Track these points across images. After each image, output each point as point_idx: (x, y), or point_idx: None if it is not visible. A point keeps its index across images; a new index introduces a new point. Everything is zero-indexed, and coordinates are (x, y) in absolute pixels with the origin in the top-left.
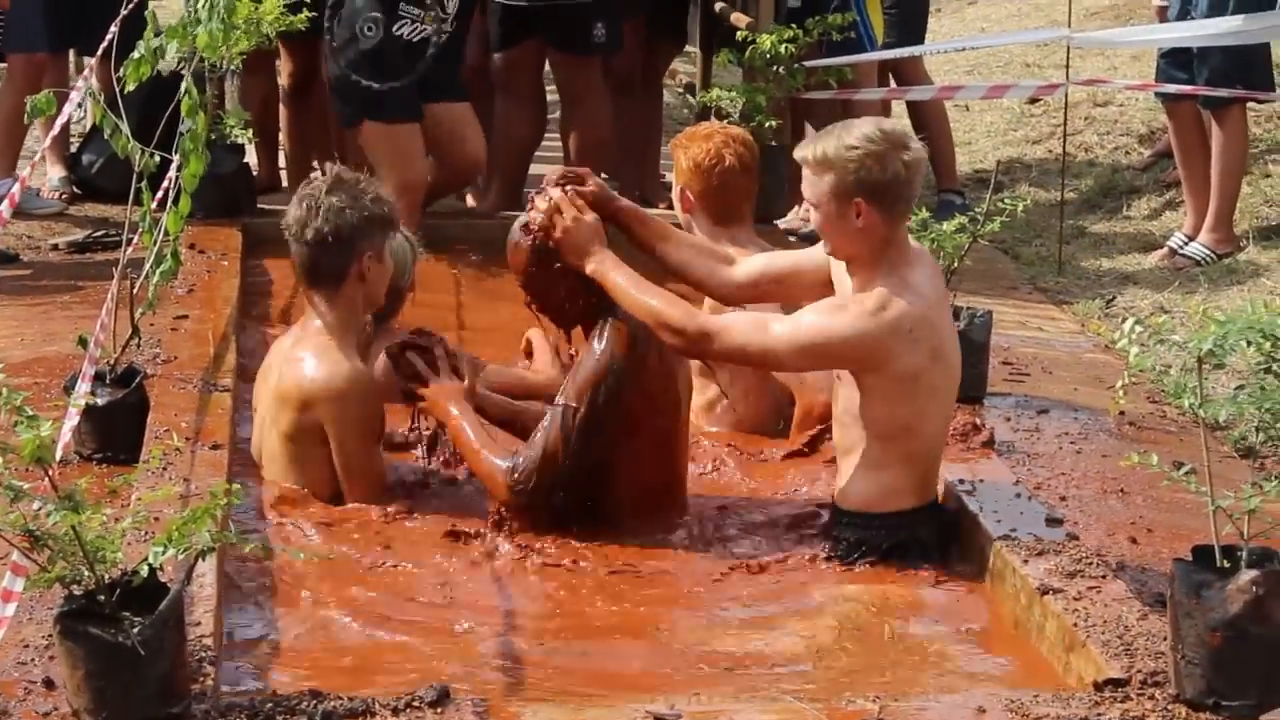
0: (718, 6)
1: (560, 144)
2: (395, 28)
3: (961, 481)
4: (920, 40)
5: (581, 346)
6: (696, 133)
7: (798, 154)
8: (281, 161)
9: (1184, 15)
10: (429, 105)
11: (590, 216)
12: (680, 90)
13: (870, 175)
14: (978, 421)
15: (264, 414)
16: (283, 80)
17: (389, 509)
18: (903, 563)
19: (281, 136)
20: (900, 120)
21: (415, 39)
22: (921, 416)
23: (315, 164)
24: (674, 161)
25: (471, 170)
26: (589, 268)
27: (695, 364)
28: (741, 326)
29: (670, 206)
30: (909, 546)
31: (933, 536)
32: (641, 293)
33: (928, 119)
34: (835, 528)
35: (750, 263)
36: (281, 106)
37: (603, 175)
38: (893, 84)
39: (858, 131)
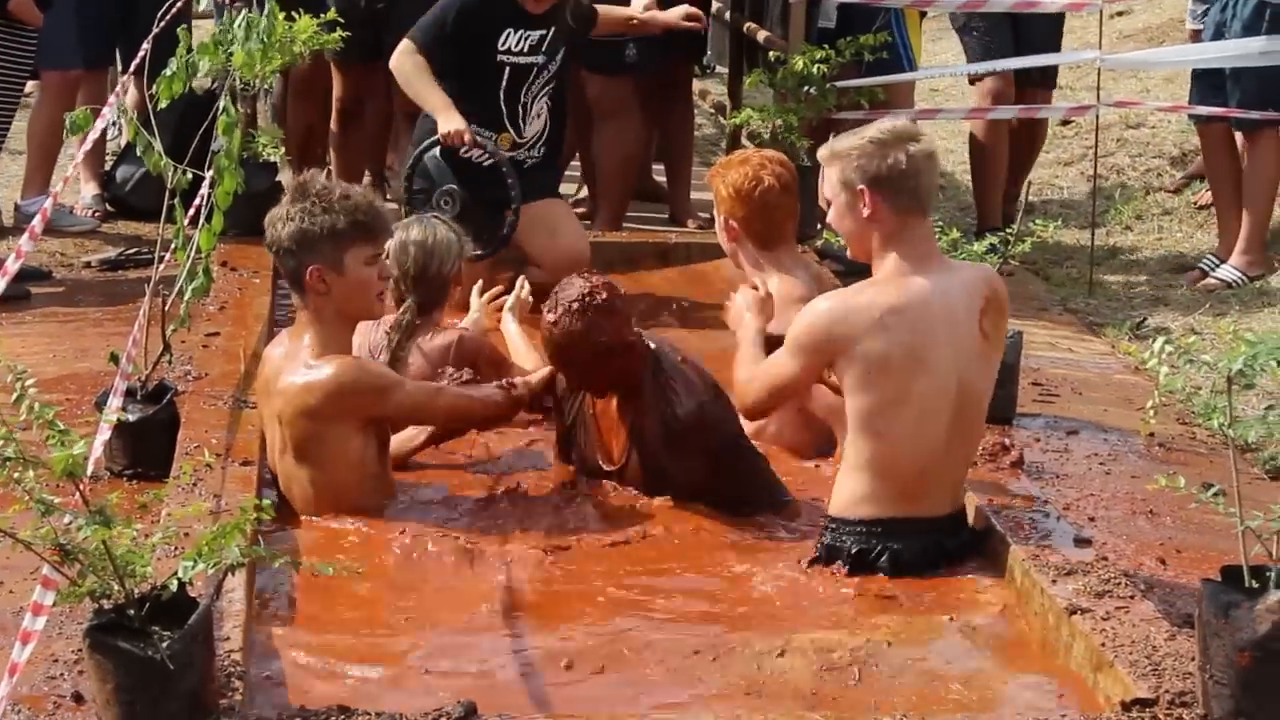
0: (747, 26)
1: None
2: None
3: (990, 501)
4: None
5: None
6: (732, 160)
7: (819, 154)
8: None
9: (1218, 37)
10: (526, 206)
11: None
12: (711, 111)
13: (872, 164)
14: (1006, 442)
15: (270, 436)
16: (334, 102)
17: (413, 526)
18: (925, 579)
19: (330, 158)
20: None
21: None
22: (888, 418)
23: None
24: (714, 193)
25: (574, 264)
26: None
27: None
28: (753, 372)
29: (701, 226)
30: (879, 557)
31: (919, 553)
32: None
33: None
34: (820, 533)
35: None
36: (332, 127)
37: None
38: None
39: (869, 128)
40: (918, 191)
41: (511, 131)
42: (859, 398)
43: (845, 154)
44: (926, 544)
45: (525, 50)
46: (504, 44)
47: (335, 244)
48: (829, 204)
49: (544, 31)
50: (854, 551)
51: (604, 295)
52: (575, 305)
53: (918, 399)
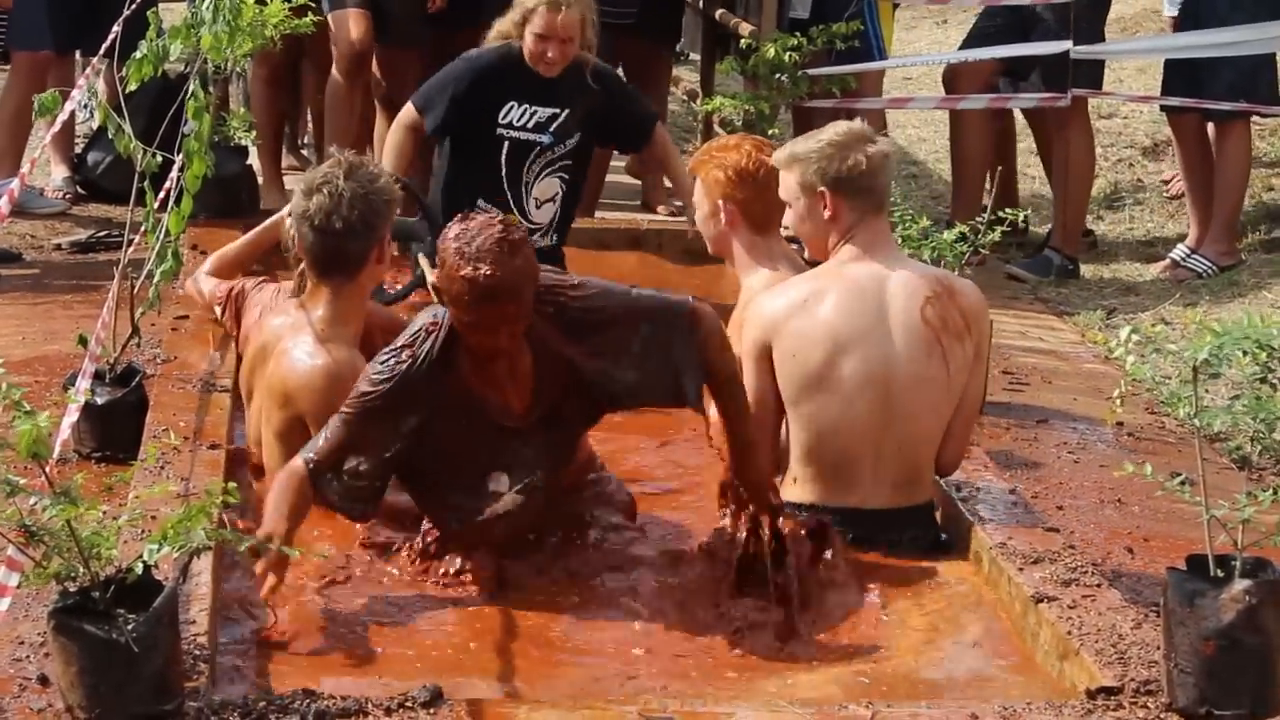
0: (719, 13)
1: None
2: None
3: (958, 489)
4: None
5: None
6: (725, 144)
7: (772, 159)
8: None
9: (1192, 26)
10: None
11: None
12: (683, 98)
13: (831, 166)
14: None
15: (258, 405)
16: (338, 56)
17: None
18: (895, 565)
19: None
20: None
21: None
22: (810, 401)
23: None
24: (703, 180)
25: None
26: None
27: None
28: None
29: (672, 212)
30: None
31: (855, 544)
32: None
33: (1073, 176)
34: None
35: None
36: (334, 87)
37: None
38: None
39: (824, 131)
40: (875, 190)
41: (516, 213)
42: (783, 381)
43: (804, 157)
44: (859, 536)
45: (529, 126)
46: (504, 117)
47: (394, 212)
48: (789, 206)
49: (555, 111)
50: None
51: (516, 231)
52: (503, 247)
53: (838, 382)
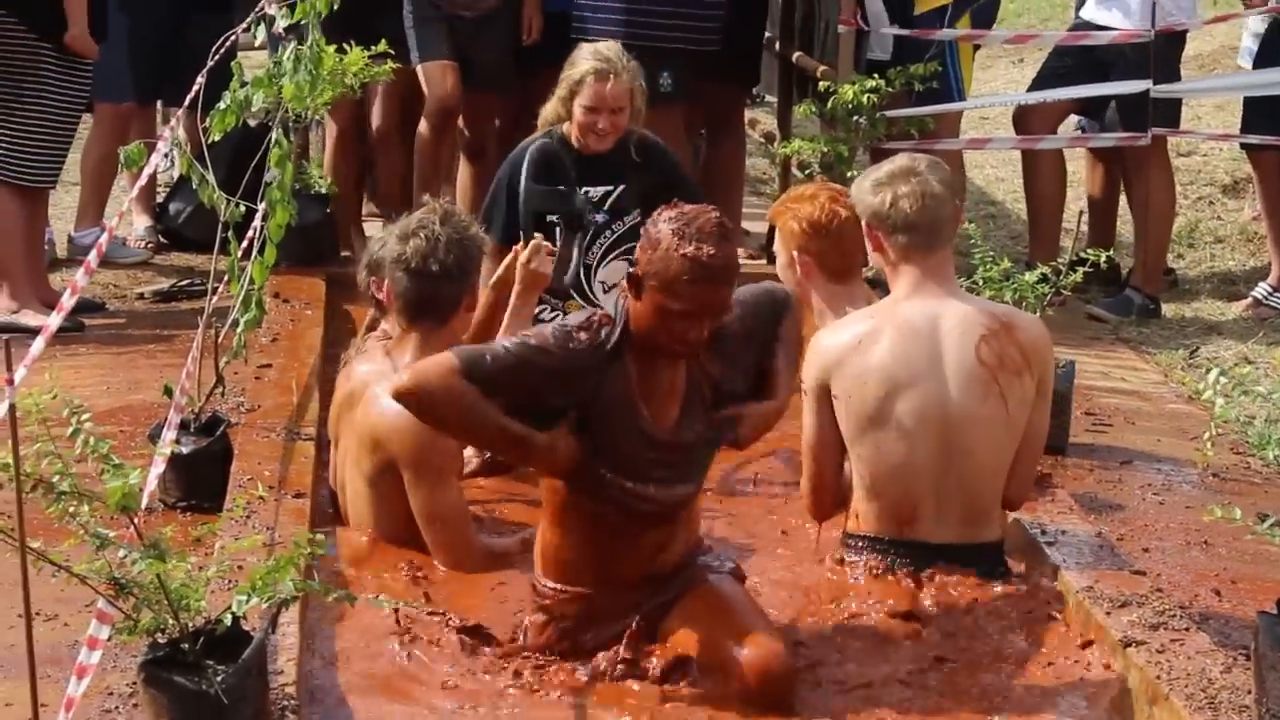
0: (796, 56)
1: None
2: None
3: (1044, 532)
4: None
5: None
6: (801, 195)
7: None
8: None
9: (1267, 64)
10: None
11: None
12: (761, 140)
13: (866, 203)
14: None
15: (346, 449)
16: (428, 109)
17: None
18: (993, 613)
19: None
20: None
21: None
22: (870, 438)
23: None
24: (779, 229)
25: None
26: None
27: None
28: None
29: (752, 255)
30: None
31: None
32: None
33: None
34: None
35: None
36: (421, 142)
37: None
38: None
39: (881, 166)
40: (919, 227)
41: (578, 298)
42: (841, 420)
43: (855, 196)
44: (919, 565)
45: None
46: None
47: (480, 267)
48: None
49: (608, 188)
50: (850, 563)
51: (726, 219)
52: (721, 230)
53: (895, 422)
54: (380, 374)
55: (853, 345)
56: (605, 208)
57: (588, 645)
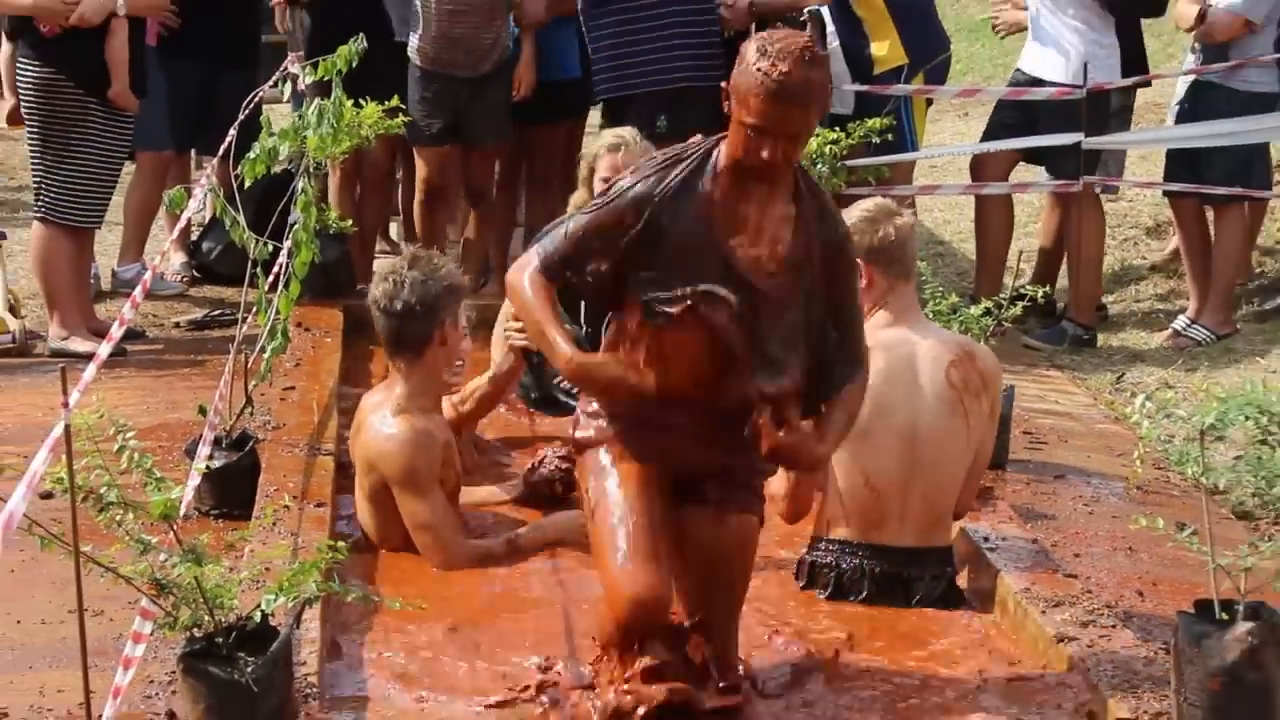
0: None
1: None
2: None
3: (986, 539)
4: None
5: None
6: None
7: None
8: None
9: (1187, 120)
10: None
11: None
12: None
13: (865, 240)
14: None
15: (356, 470)
16: (419, 184)
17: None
18: (936, 608)
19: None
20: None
21: None
22: (853, 449)
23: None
24: None
25: None
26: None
27: None
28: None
29: None
30: (846, 573)
31: (879, 574)
32: None
33: (1085, 254)
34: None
35: None
36: (417, 208)
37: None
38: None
39: (853, 209)
40: (903, 259)
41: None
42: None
43: (873, 243)
44: (884, 566)
45: None
46: None
47: (458, 299)
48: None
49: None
50: (818, 565)
51: (820, 48)
52: (804, 55)
53: (876, 438)
54: (379, 404)
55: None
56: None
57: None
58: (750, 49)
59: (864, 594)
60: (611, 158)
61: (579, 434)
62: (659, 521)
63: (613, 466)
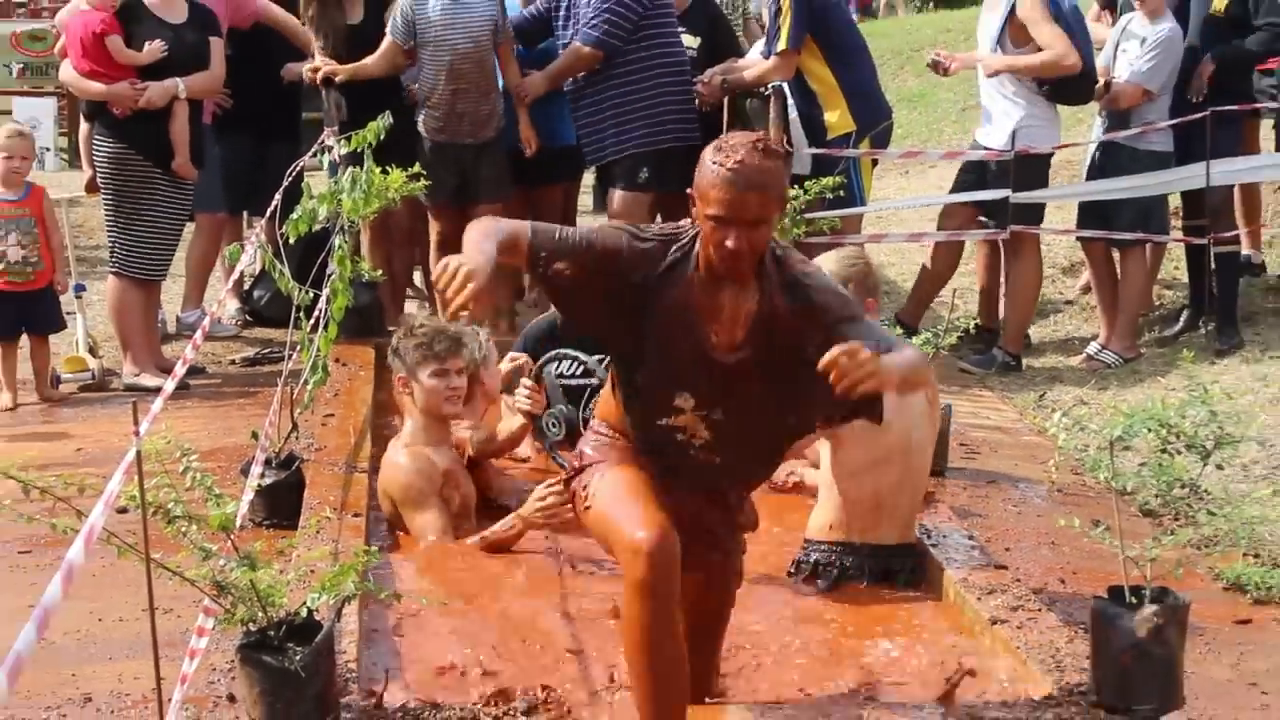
0: None
1: None
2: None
3: (929, 536)
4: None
5: None
6: None
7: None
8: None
9: (1098, 177)
10: None
11: None
12: None
13: (864, 275)
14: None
15: None
16: (434, 237)
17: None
18: (883, 594)
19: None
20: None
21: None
22: (863, 465)
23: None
24: None
25: None
26: None
27: None
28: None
29: None
30: (841, 571)
31: (871, 570)
32: None
33: (1018, 292)
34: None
35: None
36: (433, 260)
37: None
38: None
39: (837, 253)
40: (877, 287)
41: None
42: (850, 450)
43: (852, 275)
44: (875, 564)
45: (578, 374)
46: (556, 370)
47: (412, 362)
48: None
49: (602, 355)
50: (822, 564)
51: (775, 146)
52: (755, 146)
53: (883, 450)
54: (394, 440)
55: None
56: (600, 371)
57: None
58: (707, 151)
59: (863, 585)
60: None
61: (583, 448)
62: (656, 492)
63: (609, 468)
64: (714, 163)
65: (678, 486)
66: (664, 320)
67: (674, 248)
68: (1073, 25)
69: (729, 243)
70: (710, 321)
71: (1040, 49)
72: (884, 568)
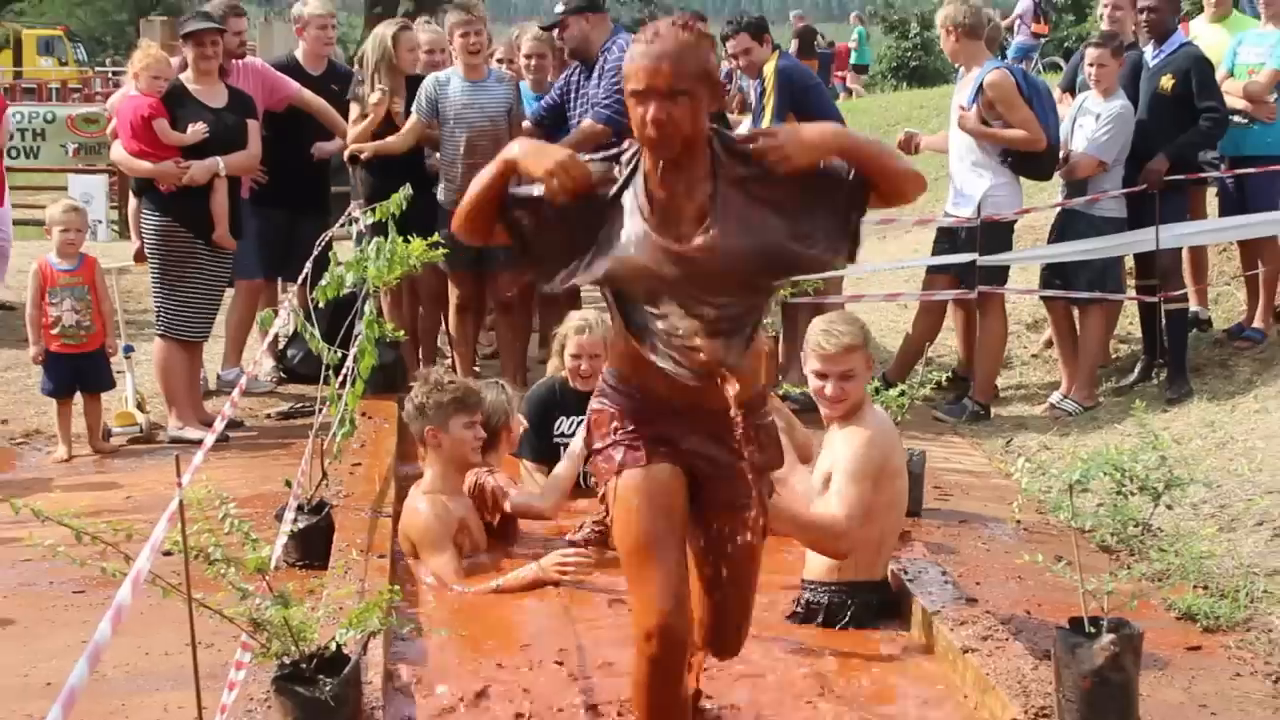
0: None
1: None
2: None
3: (906, 571)
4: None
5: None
6: None
7: (850, 341)
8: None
9: (1058, 240)
10: None
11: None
12: None
13: (868, 336)
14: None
15: None
16: (454, 299)
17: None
18: (863, 627)
19: (450, 342)
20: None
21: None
22: (879, 510)
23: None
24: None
25: None
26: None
27: None
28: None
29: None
30: (840, 610)
31: (866, 606)
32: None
33: (986, 347)
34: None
35: None
36: (453, 319)
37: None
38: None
39: (835, 320)
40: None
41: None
42: (884, 496)
43: (857, 341)
44: (869, 600)
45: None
46: (558, 429)
47: (435, 416)
48: (849, 379)
49: None
50: (826, 604)
51: (700, 25)
52: (676, 23)
53: (896, 496)
54: (415, 486)
55: (894, 445)
56: None
57: (642, 437)
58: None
59: (860, 621)
60: (579, 340)
61: (593, 404)
62: (679, 546)
63: (633, 495)
64: (633, 41)
65: (690, 432)
66: (625, 228)
67: (624, 158)
68: (1044, 102)
69: (649, 114)
70: (668, 214)
71: (1009, 125)
72: (883, 601)
